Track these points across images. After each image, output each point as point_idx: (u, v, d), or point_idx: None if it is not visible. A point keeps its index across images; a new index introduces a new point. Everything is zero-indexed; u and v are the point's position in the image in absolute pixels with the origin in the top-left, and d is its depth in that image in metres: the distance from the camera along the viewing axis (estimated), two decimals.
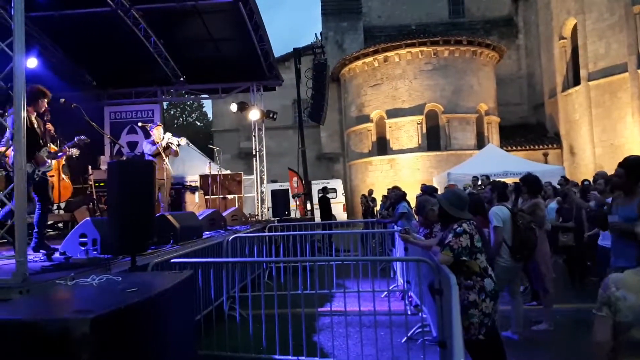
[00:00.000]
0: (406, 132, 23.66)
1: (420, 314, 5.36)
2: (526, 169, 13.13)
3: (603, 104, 20.56)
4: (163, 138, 7.86)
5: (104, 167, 8.61)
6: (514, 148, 23.56)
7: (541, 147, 24.31)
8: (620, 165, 3.93)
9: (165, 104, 13.97)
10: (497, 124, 24.94)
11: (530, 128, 26.93)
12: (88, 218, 5.02)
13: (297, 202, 14.89)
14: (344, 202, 21.40)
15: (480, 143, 23.08)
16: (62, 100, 5.55)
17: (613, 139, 20.00)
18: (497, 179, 9.07)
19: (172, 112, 47.23)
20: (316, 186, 17.77)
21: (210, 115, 33.57)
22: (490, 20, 28.76)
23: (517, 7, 28.72)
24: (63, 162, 7.17)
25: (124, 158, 9.73)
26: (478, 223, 3.79)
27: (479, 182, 11.61)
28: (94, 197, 8.21)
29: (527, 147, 24.32)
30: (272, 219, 12.07)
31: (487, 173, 12.39)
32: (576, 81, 22.27)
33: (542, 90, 26.49)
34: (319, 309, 5.85)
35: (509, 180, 8.74)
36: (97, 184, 8.42)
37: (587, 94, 21.20)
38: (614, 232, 4.09)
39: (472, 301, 3.47)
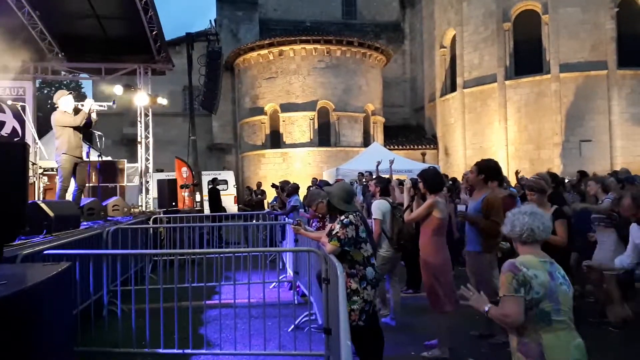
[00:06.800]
0: (299, 126, 24.07)
1: (307, 303, 5.54)
2: (407, 167, 14.14)
3: (475, 110, 22.72)
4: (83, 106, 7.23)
5: None
6: (396, 147, 25.00)
7: (420, 147, 26.16)
8: (476, 164, 4.98)
9: (37, 82, 12.62)
10: (382, 123, 26.40)
11: (411, 129, 28.87)
12: None
13: (187, 193, 14.42)
14: (235, 194, 21.13)
15: (367, 141, 24.29)
16: None
17: (482, 142, 22.20)
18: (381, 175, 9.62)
19: (45, 92, 42.80)
20: (207, 177, 17.34)
21: (90, 96, 31.01)
22: (380, 24, 30.16)
23: (405, 14, 30.44)
24: None
25: None
26: None
27: (364, 178, 12.23)
28: None
29: (408, 147, 26.01)
30: (158, 210, 11.56)
31: (372, 169, 13.06)
32: (453, 88, 24.27)
33: (423, 95, 28.40)
34: (207, 302, 5.77)
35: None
36: None
37: (462, 100, 23.26)
38: (462, 219, 5.09)
39: (354, 289, 3.70)
